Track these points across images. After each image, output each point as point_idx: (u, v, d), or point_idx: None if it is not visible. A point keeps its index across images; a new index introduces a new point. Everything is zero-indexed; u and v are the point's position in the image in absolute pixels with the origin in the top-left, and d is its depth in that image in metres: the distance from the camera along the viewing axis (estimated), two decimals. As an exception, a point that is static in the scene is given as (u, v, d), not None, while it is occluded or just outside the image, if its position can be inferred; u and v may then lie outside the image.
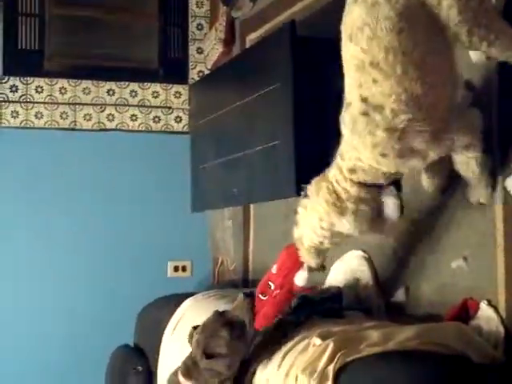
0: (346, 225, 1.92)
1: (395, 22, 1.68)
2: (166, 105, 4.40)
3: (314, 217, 1.97)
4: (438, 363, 1.76)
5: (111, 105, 4.32)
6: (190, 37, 4.50)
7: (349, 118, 1.82)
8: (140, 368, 3.35)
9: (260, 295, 2.47)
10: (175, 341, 3.02)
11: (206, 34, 4.48)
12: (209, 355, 2.32)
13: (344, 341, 1.95)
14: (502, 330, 2.03)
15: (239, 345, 2.33)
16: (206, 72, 4.43)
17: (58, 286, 4.21)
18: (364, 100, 1.76)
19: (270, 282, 2.49)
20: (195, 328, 2.47)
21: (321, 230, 1.97)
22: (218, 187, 3.70)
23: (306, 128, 2.12)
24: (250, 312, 2.44)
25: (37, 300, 4.17)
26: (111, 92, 4.33)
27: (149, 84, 4.38)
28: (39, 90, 4.22)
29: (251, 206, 3.86)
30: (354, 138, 1.82)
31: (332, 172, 1.95)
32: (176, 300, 3.40)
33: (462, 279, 2.27)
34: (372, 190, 1.92)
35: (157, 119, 4.39)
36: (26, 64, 4.21)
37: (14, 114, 4.18)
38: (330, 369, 1.86)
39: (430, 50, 1.74)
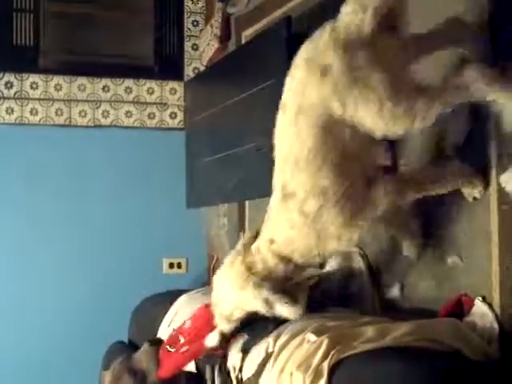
0: (245, 297, 2.06)
1: (316, 132, 1.87)
2: (161, 101, 4.39)
3: (224, 287, 2.14)
4: (433, 359, 1.76)
5: (106, 101, 4.32)
6: (186, 33, 4.49)
7: (272, 201, 2.03)
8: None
9: (168, 346, 2.58)
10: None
11: (201, 30, 4.48)
12: None
13: (339, 337, 1.95)
14: (496, 326, 2.03)
15: None
16: (202, 68, 4.42)
17: (53, 282, 4.21)
18: (283, 187, 1.96)
19: (180, 336, 2.56)
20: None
21: (229, 302, 2.13)
22: (213, 184, 3.70)
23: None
24: (153, 360, 2.67)
25: (31, 296, 4.17)
26: (106, 88, 4.32)
27: (144, 80, 4.38)
28: (34, 86, 4.21)
29: (246, 202, 3.86)
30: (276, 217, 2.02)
31: (256, 242, 2.10)
32: (171, 296, 3.39)
33: (457, 276, 2.27)
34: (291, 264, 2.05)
35: (152, 115, 4.38)
36: (20, 60, 4.19)
37: (9, 111, 4.17)
38: (325, 365, 1.86)
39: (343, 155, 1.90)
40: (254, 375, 2.16)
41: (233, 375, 2.33)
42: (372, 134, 1.89)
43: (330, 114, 1.85)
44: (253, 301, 2.05)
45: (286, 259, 2.06)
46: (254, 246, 2.12)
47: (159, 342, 2.89)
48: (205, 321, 2.39)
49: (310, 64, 1.86)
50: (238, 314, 2.16)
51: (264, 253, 2.07)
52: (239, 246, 2.17)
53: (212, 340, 2.25)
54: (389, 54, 1.84)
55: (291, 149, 1.92)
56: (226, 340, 2.28)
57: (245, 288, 2.05)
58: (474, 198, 2.16)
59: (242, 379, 2.24)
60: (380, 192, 1.97)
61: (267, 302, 2.02)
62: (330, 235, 1.97)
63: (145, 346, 2.86)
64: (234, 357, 2.34)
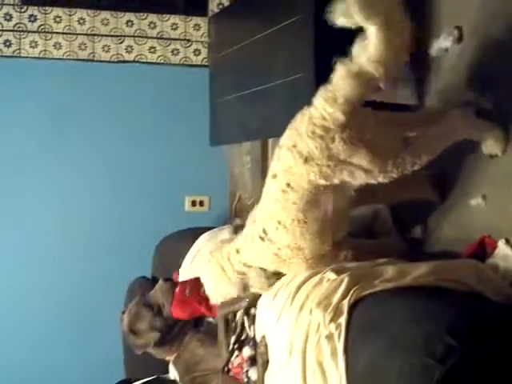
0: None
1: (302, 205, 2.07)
2: (185, 37, 4.33)
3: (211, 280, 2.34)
4: (454, 298, 1.77)
5: (130, 36, 4.27)
6: (211, -34, 4.40)
7: (249, 232, 2.22)
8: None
9: (187, 289, 2.75)
10: (193, 273, 3.05)
11: (226, -37, 4.38)
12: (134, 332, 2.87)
13: (359, 276, 1.96)
14: (518, 268, 2.02)
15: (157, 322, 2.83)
16: (226, 4, 4.34)
17: (77, 219, 4.25)
18: (263, 231, 2.15)
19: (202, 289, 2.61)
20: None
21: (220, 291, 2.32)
22: (236, 121, 3.67)
23: (329, 61, 2.08)
24: (168, 296, 2.85)
25: (55, 233, 4.22)
26: (130, 23, 4.27)
27: (168, 16, 4.31)
28: (58, 19, 4.17)
29: (269, 141, 3.84)
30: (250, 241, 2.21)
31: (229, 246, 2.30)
32: (193, 234, 3.42)
33: (481, 217, 2.25)
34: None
35: (176, 52, 4.33)
36: (44, -7, 4.15)
37: (33, 44, 4.14)
38: (345, 303, 1.87)
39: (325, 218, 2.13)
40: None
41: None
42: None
43: (317, 189, 2.05)
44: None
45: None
46: (218, 259, 2.30)
47: (174, 282, 3.03)
48: None
49: (294, 151, 2.03)
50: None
51: (232, 261, 2.27)
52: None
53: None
54: (366, 132, 2.00)
55: (277, 212, 2.11)
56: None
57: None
58: (495, 155, 2.20)
59: None
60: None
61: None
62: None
63: (160, 283, 2.98)
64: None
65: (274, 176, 2.11)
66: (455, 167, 2.37)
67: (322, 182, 2.03)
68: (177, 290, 2.80)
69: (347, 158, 2.00)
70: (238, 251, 2.25)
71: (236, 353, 2.41)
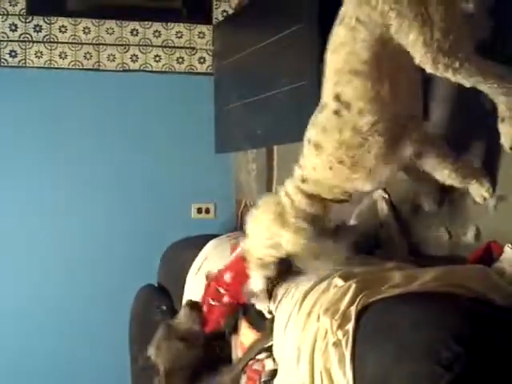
0: (284, 237, 2.09)
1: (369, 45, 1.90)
2: (189, 45, 4.35)
3: (260, 228, 2.16)
4: (461, 304, 1.76)
5: (135, 45, 4.29)
6: (214, -25, 4.42)
7: (322, 117, 2.03)
8: (164, 307, 3.40)
9: (210, 300, 2.63)
10: (199, 281, 3.05)
11: (230, -28, 4.40)
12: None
13: (366, 282, 1.96)
14: (525, 273, 2.02)
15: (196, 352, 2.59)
16: (231, 12, 4.36)
17: (82, 225, 4.26)
18: (337, 98, 1.97)
19: (219, 288, 2.57)
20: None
21: (265, 241, 2.14)
22: (241, 129, 3.69)
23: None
24: (196, 319, 2.67)
25: (61, 239, 4.23)
26: (135, 32, 4.28)
27: (172, 24, 4.33)
28: (63, 29, 4.19)
29: (275, 148, 3.85)
30: (320, 139, 2.02)
31: (287, 182, 2.14)
32: (199, 241, 3.43)
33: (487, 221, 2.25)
34: (323, 208, 2.12)
35: (181, 60, 4.35)
36: (49, 3, 4.17)
37: (39, 54, 4.17)
38: (353, 309, 1.86)
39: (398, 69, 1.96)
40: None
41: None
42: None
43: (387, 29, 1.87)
44: (290, 242, 2.09)
45: (315, 198, 2.11)
46: (282, 191, 2.15)
47: (195, 303, 2.87)
48: (244, 268, 2.39)
49: None
50: (270, 258, 2.18)
51: (292, 194, 2.11)
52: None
53: (256, 283, 2.25)
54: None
55: (347, 61, 1.94)
56: (272, 284, 2.28)
57: (284, 227, 2.09)
58: (484, 199, 2.18)
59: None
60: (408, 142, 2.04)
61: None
62: (364, 167, 2.02)
63: (183, 310, 2.82)
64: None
65: (342, 20, 1.96)
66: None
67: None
68: (203, 308, 2.72)
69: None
70: (302, 180, 2.11)
71: (263, 355, 2.35)
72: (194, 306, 2.76)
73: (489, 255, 2.15)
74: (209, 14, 4.37)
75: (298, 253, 2.13)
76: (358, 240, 2.64)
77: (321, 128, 2.04)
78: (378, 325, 1.79)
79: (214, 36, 4.32)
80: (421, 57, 1.88)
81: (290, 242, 2.10)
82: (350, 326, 1.83)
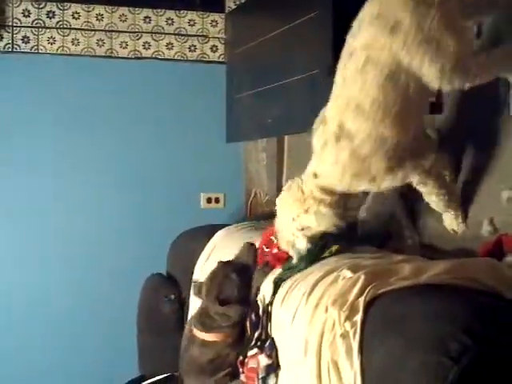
0: (310, 220, 2.22)
1: (382, 81, 1.96)
2: (202, 33, 4.33)
3: (286, 210, 2.29)
4: (470, 296, 1.75)
5: (147, 32, 4.27)
6: (228, -38, 4.39)
7: (321, 136, 2.15)
8: (172, 296, 3.40)
9: (264, 247, 2.62)
10: (208, 270, 3.04)
11: (244, -41, 4.37)
12: (222, 301, 2.52)
13: (375, 273, 1.95)
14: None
15: (246, 290, 2.52)
16: (244, 0, 4.34)
17: (94, 216, 4.26)
18: (340, 127, 2.06)
19: (272, 237, 2.56)
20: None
21: (292, 223, 2.26)
22: (253, 118, 3.67)
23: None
24: (254, 257, 2.64)
25: (72, 230, 4.24)
26: (147, 19, 4.27)
27: (185, 12, 4.31)
28: (76, 16, 4.18)
29: (285, 138, 3.83)
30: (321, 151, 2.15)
31: (306, 171, 2.25)
32: (209, 231, 3.42)
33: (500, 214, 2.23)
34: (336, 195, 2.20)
35: (193, 48, 4.33)
36: (62, -11, 4.16)
37: (51, 40, 4.16)
38: (361, 301, 1.85)
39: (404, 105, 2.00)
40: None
41: (260, 304, 2.38)
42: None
43: (398, 65, 1.93)
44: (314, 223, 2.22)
45: (329, 191, 2.19)
46: (299, 183, 2.25)
47: (254, 244, 2.79)
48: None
49: (380, 19, 1.93)
50: (300, 235, 2.27)
51: (309, 187, 2.21)
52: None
53: (301, 243, 2.30)
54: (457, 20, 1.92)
55: (355, 94, 2.01)
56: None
57: (307, 212, 2.22)
58: (453, 231, 2.34)
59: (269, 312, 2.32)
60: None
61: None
62: (368, 176, 2.11)
63: (244, 245, 2.77)
64: (266, 287, 2.37)
65: (351, 54, 2.02)
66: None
67: (404, 57, 1.92)
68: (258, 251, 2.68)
69: (436, 38, 1.89)
70: (314, 175, 2.21)
71: (255, 350, 2.35)
72: (253, 245, 2.74)
73: (499, 249, 2.13)
74: (222, 3, 4.35)
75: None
76: (369, 233, 2.64)
77: (320, 145, 2.16)
78: (387, 316, 1.78)
79: (227, 24, 4.30)
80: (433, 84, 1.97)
81: (314, 224, 2.23)
82: (358, 318, 1.82)
